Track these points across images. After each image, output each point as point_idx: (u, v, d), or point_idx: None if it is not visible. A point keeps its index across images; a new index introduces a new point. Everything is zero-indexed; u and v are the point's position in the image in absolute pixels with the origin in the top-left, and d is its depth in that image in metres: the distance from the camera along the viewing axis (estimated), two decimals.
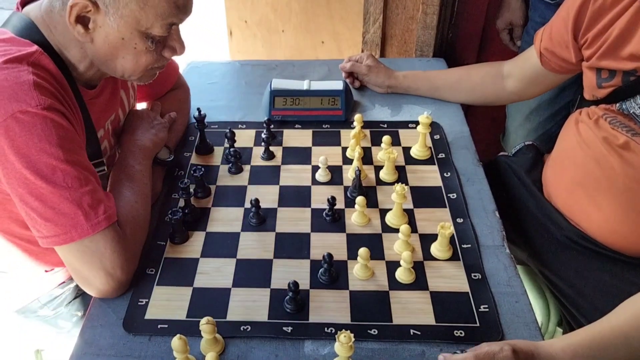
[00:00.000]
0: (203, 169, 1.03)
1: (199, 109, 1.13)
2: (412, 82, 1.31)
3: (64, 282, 1.10)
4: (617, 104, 0.95)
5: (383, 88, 1.33)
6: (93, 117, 0.94)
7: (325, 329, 0.82)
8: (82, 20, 0.82)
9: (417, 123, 1.15)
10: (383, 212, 1.01)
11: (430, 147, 1.15)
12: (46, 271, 1.07)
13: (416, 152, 1.15)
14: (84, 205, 0.80)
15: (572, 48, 1.01)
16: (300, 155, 1.15)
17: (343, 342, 0.71)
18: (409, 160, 1.14)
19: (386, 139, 1.09)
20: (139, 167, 0.98)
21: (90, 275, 0.84)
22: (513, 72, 1.19)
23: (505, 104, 1.26)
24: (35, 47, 0.83)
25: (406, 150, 1.16)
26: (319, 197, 1.04)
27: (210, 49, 2.96)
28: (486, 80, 1.24)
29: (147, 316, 0.84)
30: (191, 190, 0.99)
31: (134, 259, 0.88)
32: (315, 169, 1.11)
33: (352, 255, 0.92)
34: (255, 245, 0.95)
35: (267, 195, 1.05)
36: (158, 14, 0.83)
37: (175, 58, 1.20)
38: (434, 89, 1.30)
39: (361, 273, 0.89)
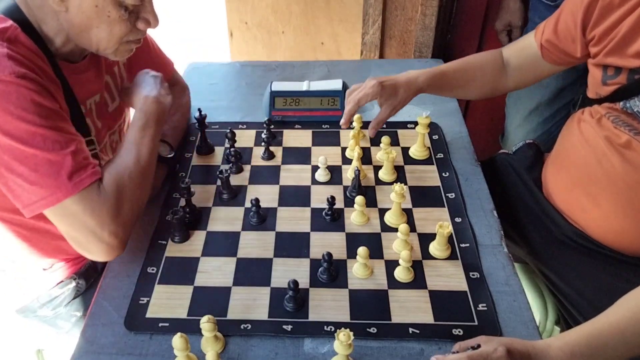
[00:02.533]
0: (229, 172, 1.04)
1: (199, 110, 1.13)
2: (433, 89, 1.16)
3: (62, 282, 1.10)
4: (621, 103, 0.95)
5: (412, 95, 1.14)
6: (74, 90, 0.95)
7: (325, 327, 0.82)
8: None
9: (415, 123, 1.15)
10: (382, 212, 1.02)
11: (428, 147, 1.16)
12: (44, 269, 1.08)
13: (415, 152, 1.15)
14: (66, 166, 0.81)
15: (579, 42, 1.00)
16: (300, 155, 1.16)
17: (342, 341, 0.71)
18: (408, 160, 1.15)
19: (385, 139, 1.10)
20: (149, 132, 0.98)
21: (80, 237, 0.85)
22: (510, 61, 1.15)
23: (502, 93, 1.24)
24: (10, 23, 0.84)
25: (405, 150, 1.17)
26: (319, 197, 1.05)
27: (211, 50, 2.97)
28: (485, 67, 1.17)
29: (148, 314, 0.85)
30: (192, 189, 1.00)
31: (121, 219, 0.87)
32: (315, 168, 1.11)
33: (352, 254, 0.93)
34: (256, 245, 0.96)
35: (267, 195, 1.06)
36: None
37: (176, 58, 1.21)
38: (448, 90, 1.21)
39: (360, 272, 0.90)
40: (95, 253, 0.87)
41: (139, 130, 0.97)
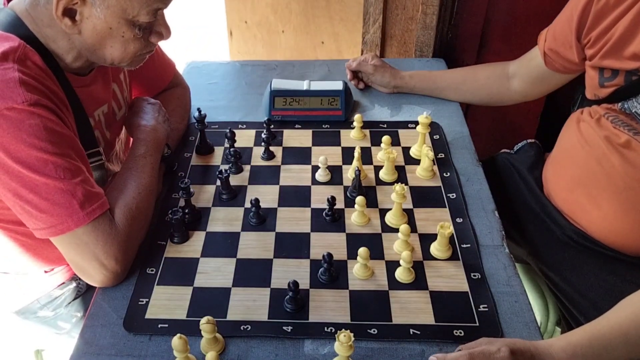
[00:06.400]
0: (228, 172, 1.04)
1: (199, 109, 1.13)
2: (418, 82, 1.31)
3: (63, 283, 1.10)
4: (619, 104, 0.95)
5: (389, 88, 1.33)
6: (84, 104, 0.94)
7: (325, 328, 0.82)
8: (69, 12, 0.83)
9: (416, 123, 1.15)
10: (383, 212, 1.01)
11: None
12: (45, 272, 1.07)
13: (415, 152, 1.15)
14: (78, 195, 0.81)
15: (575, 48, 1.01)
16: (300, 155, 1.16)
17: (343, 342, 0.71)
18: (409, 160, 1.14)
19: (386, 139, 1.09)
20: (150, 159, 0.99)
21: (85, 265, 0.86)
22: (518, 73, 1.19)
23: (509, 104, 1.27)
24: (18, 42, 0.83)
25: (406, 150, 1.16)
26: (319, 197, 1.05)
27: (211, 49, 2.97)
28: (492, 81, 1.24)
29: (148, 316, 0.84)
30: (191, 190, 1.00)
31: (129, 250, 0.89)
32: (315, 168, 1.11)
33: (352, 254, 0.92)
34: (255, 245, 0.96)
35: (267, 195, 1.05)
36: (143, 1, 0.84)
37: (175, 58, 1.21)
38: (440, 89, 1.31)
39: (361, 273, 0.89)
40: (98, 281, 0.88)
41: (140, 159, 0.98)
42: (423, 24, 1.51)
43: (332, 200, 0.98)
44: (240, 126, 1.24)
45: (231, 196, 1.05)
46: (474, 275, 0.89)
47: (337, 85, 1.26)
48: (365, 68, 1.33)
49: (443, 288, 0.88)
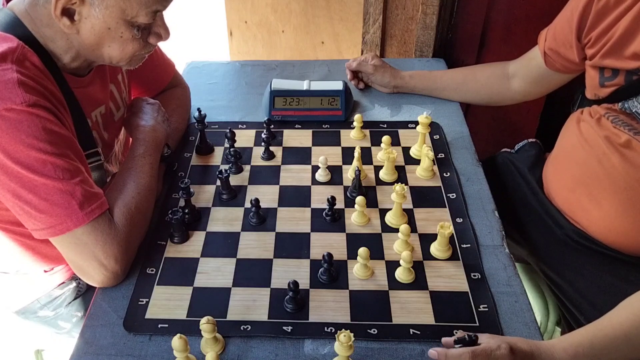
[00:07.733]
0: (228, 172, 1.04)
1: (199, 109, 1.13)
2: (418, 82, 1.31)
3: (63, 283, 1.10)
4: (619, 103, 0.95)
5: (389, 88, 1.33)
6: (82, 104, 0.94)
7: (325, 328, 0.82)
8: (68, 12, 0.83)
9: (416, 123, 1.15)
10: (383, 212, 1.01)
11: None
12: (45, 271, 1.07)
13: (415, 152, 1.15)
14: (77, 195, 0.81)
15: (576, 48, 1.01)
16: (300, 155, 1.16)
17: (343, 342, 0.71)
18: (409, 160, 1.14)
19: (386, 139, 1.09)
20: (149, 159, 0.99)
21: (85, 266, 0.86)
22: (518, 72, 1.19)
23: (510, 104, 1.27)
24: (17, 42, 0.83)
25: (406, 150, 1.16)
26: (319, 197, 1.05)
27: (211, 49, 2.97)
28: (492, 81, 1.24)
29: (148, 316, 0.84)
30: (191, 190, 1.00)
31: (129, 250, 0.89)
32: (315, 168, 1.11)
33: (352, 254, 0.92)
34: (255, 245, 0.96)
35: (267, 195, 1.05)
36: (142, 2, 0.84)
37: (175, 58, 1.21)
38: (440, 89, 1.31)
39: (361, 273, 0.89)
40: (98, 281, 0.88)
41: (139, 159, 0.98)
42: (423, 24, 1.51)
43: (332, 200, 0.98)
44: (240, 126, 1.24)
45: (231, 196, 1.05)
46: (474, 275, 0.89)
47: (337, 85, 1.26)
48: (365, 68, 1.32)
49: (443, 288, 0.88)
